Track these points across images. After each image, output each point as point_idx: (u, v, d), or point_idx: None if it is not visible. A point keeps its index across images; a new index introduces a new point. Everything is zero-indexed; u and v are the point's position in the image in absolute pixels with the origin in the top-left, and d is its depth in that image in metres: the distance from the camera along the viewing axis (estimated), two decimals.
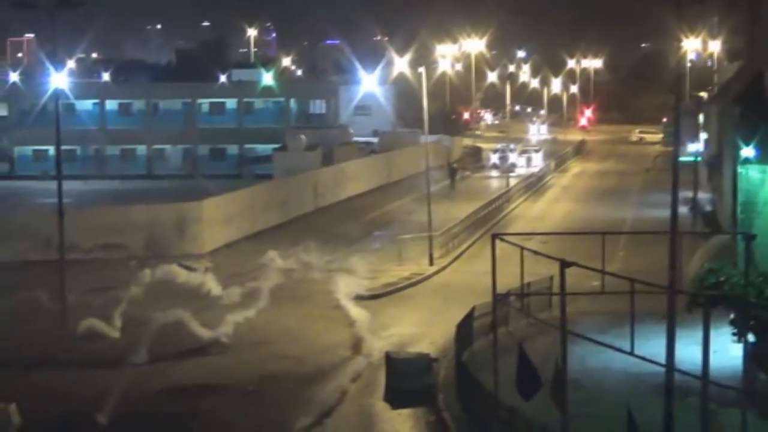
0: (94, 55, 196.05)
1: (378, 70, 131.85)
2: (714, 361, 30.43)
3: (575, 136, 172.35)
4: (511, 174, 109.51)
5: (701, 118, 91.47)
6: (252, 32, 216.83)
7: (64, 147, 67.90)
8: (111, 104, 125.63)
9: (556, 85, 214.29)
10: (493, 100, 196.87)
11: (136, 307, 48.83)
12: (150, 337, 46.01)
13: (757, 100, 40.59)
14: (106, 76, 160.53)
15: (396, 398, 39.42)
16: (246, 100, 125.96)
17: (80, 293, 50.35)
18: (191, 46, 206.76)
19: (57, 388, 38.84)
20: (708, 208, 77.41)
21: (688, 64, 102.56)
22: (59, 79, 68.69)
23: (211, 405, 38.81)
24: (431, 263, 64.35)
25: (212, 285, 52.61)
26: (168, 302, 50.22)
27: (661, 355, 30.84)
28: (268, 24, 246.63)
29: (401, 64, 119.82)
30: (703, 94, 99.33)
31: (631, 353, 32.95)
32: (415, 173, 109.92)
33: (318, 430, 36.67)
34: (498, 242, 37.89)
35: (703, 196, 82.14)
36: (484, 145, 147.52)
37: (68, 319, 47.82)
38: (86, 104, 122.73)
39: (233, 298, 51.57)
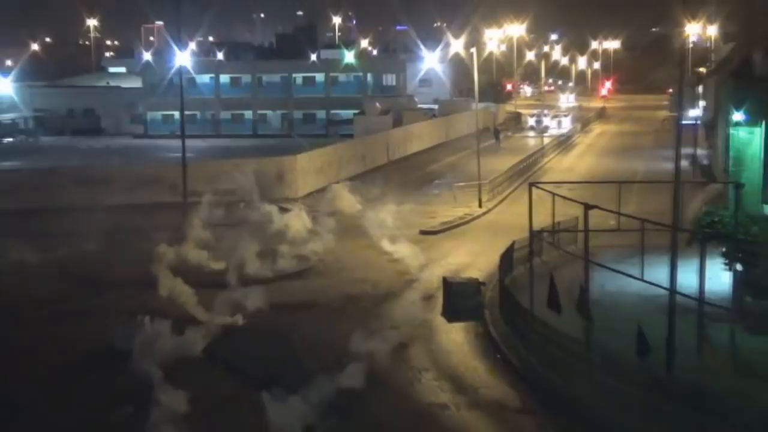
0: (211, 38, 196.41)
1: (438, 50, 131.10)
2: (708, 285, 30.24)
3: (597, 104, 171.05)
4: (545, 134, 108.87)
5: (701, 89, 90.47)
6: (336, 19, 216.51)
7: (186, 112, 68.31)
8: (224, 78, 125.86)
9: (582, 62, 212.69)
10: (530, 74, 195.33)
11: (246, 239, 49.13)
12: (256, 263, 46.44)
13: (746, 75, 40.04)
14: (220, 55, 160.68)
15: (451, 314, 39.42)
16: (332, 74, 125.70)
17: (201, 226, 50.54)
18: (288, 31, 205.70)
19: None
20: (705, 162, 76.65)
21: (690, 45, 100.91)
22: (183, 58, 69.05)
23: (307, 318, 39.11)
24: (480, 206, 64.11)
25: (305, 222, 52.73)
26: (269, 235, 50.57)
27: (665, 281, 30.62)
28: (350, 13, 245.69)
29: (457, 45, 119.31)
30: (703, 70, 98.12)
31: (642, 279, 32.86)
32: (467, 134, 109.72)
33: (391, 334, 36.79)
34: (534, 189, 37.81)
35: (701, 152, 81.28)
36: (523, 111, 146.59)
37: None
38: (204, 78, 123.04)
39: (321, 233, 51.69)
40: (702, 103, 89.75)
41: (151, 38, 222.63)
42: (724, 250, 36.60)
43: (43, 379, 32.02)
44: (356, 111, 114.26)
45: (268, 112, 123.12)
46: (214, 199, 54.05)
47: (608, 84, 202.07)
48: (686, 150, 60.22)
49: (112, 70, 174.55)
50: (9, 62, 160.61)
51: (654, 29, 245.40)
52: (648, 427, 27.07)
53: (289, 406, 27.04)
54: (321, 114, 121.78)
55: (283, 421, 26.45)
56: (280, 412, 26.68)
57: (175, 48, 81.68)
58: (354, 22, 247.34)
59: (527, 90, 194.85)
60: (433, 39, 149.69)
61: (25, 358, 34.21)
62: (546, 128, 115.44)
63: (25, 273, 46.67)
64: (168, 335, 32.59)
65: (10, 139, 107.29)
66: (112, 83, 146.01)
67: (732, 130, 40.90)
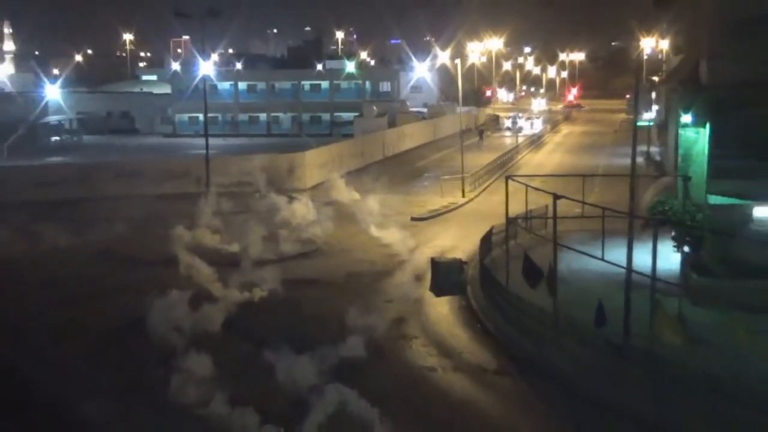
0: (231, 50, 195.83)
1: (427, 61, 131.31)
2: (660, 265, 30.30)
3: (564, 107, 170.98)
4: (520, 134, 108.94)
5: (654, 94, 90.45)
6: (339, 34, 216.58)
7: (210, 114, 68.24)
8: (242, 85, 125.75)
9: (551, 71, 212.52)
10: (507, 82, 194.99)
11: (259, 224, 49.21)
12: (268, 245, 46.51)
13: (693, 83, 39.99)
14: (238, 66, 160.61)
15: (438, 289, 39.51)
16: (335, 82, 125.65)
17: (220, 215, 50.53)
18: (298, 44, 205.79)
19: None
20: (658, 158, 76.66)
21: (645, 57, 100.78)
22: (206, 68, 69.03)
23: (313, 293, 39.19)
24: (463, 196, 64.19)
25: (310, 210, 52.76)
26: (279, 221, 50.64)
27: (623, 260, 30.70)
28: (351, 29, 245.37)
29: (443, 56, 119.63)
30: (656, 78, 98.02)
31: (602, 259, 32.88)
32: (452, 133, 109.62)
33: (386, 307, 36.90)
34: (510, 182, 37.91)
35: (654, 149, 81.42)
36: (501, 114, 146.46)
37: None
38: (225, 85, 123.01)
39: (324, 219, 51.75)
40: (655, 107, 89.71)
41: (179, 50, 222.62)
42: (673, 234, 36.65)
43: (89, 345, 32.17)
44: (356, 113, 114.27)
45: (280, 115, 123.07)
46: (221, 190, 54.25)
47: (574, 91, 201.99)
48: (641, 148, 60.50)
49: (145, 78, 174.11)
50: (56, 71, 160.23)
51: (614, 43, 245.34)
52: (606, 385, 27.25)
53: (296, 367, 27.19)
54: (326, 116, 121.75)
55: (290, 380, 26.61)
56: (288, 373, 26.83)
57: (200, 59, 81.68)
58: (354, 36, 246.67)
59: (504, 95, 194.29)
60: (423, 51, 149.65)
61: (73, 327, 34.31)
62: (520, 129, 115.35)
63: (72, 254, 46.81)
64: (186, 307, 32.63)
65: (57, 138, 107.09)
66: (145, 89, 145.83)
67: (681, 131, 40.89)
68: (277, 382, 26.87)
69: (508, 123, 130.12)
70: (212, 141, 60.64)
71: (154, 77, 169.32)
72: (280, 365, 27.40)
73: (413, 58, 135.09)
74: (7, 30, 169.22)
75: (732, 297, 33.59)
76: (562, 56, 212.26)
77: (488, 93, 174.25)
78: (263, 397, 26.04)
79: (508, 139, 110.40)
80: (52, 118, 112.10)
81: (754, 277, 33.98)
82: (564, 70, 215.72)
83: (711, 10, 38.55)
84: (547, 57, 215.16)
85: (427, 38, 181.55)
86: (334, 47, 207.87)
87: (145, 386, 27.27)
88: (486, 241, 43.28)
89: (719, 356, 28.94)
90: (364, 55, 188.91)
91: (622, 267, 30.91)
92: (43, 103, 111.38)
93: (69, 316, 35.59)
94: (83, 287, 40.11)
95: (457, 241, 49.86)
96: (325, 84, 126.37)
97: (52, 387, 28.15)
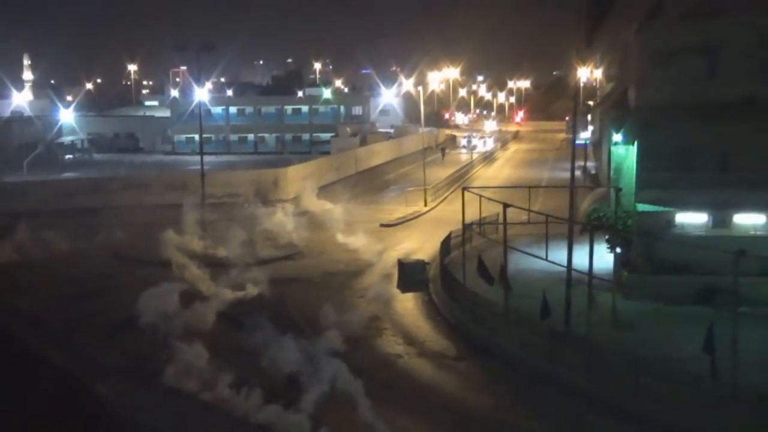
0: (223, 79, 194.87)
1: (394, 88, 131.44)
2: (596, 264, 30.55)
3: (513, 128, 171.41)
4: (474, 151, 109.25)
5: (590, 116, 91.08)
6: (317, 65, 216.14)
7: (204, 135, 67.97)
8: (233, 109, 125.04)
9: (501, 96, 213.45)
10: (463, 106, 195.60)
11: (251, 229, 49.12)
12: (256, 248, 46.45)
13: (624, 106, 40.41)
14: (229, 92, 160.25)
15: (404, 286, 39.62)
16: (314, 106, 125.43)
17: (212, 222, 50.32)
18: (281, 74, 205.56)
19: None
20: (593, 171, 77.08)
21: (582, 84, 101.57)
22: (201, 94, 68.72)
23: (294, 290, 39.13)
24: (425, 205, 64.23)
25: (292, 218, 52.68)
26: (268, 227, 50.54)
27: (564, 260, 30.95)
28: (327, 60, 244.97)
29: (407, 84, 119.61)
30: (591, 102, 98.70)
31: (546, 259, 33.13)
32: (416, 150, 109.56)
33: (359, 302, 36.93)
34: (466, 192, 38.11)
35: (591, 164, 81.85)
36: (457, 134, 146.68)
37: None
38: (218, 109, 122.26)
39: (305, 226, 51.73)
40: (591, 128, 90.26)
41: (178, 79, 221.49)
42: (607, 237, 36.95)
43: (103, 331, 31.98)
44: (332, 134, 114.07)
45: (266, 135, 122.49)
46: (215, 200, 53.98)
47: (521, 113, 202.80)
48: (579, 162, 60.80)
49: (147, 103, 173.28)
50: (69, 97, 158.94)
51: (555, 72, 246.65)
52: (551, 366, 27.47)
53: (278, 353, 27.06)
54: (306, 136, 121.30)
55: (273, 365, 26.52)
56: (271, 359, 26.73)
57: (196, 87, 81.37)
58: (330, 67, 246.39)
59: (461, 118, 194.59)
60: (390, 80, 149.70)
61: (91, 316, 34.19)
62: (474, 147, 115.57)
63: (87, 255, 46.58)
64: (177, 302, 32.57)
65: (71, 156, 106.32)
66: (148, 113, 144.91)
67: (613, 148, 41.28)
68: (256, 368, 26.74)
69: (464, 142, 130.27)
70: (207, 158, 60.38)
71: (155, 103, 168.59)
72: (271, 350, 27.31)
73: (381, 85, 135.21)
74: (26, 61, 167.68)
75: (657, 291, 33.99)
76: (511, 83, 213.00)
77: (447, 116, 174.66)
78: (262, 377, 26.00)
79: (464, 156, 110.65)
80: (66, 139, 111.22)
81: (675, 273, 34.37)
82: (512, 95, 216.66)
83: (634, 45, 39.02)
84: (497, 84, 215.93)
85: (394, 68, 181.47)
86: (313, 76, 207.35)
87: (155, 366, 27.15)
88: (445, 244, 43.43)
89: (645, 341, 29.30)
90: (339, 83, 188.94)
91: (563, 266, 31.20)
92: (58, 125, 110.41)
93: (84, 309, 35.41)
94: (97, 284, 39.94)
95: (421, 244, 49.94)
96: (305, 108, 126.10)
97: (66, 368, 27.95)
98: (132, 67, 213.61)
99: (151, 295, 32.77)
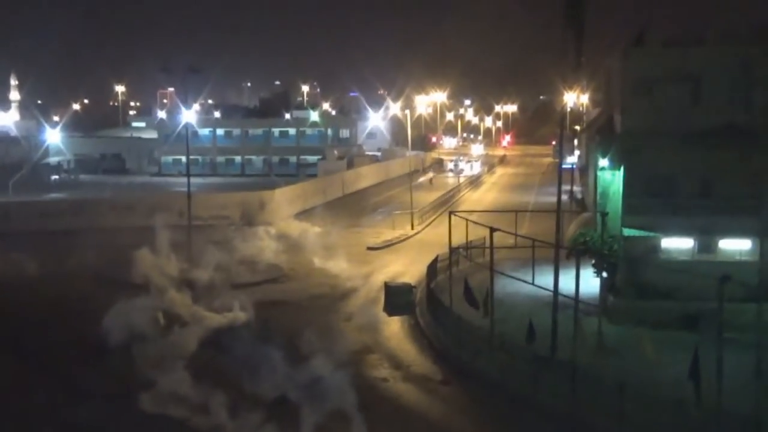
0: (210, 100, 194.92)
1: (381, 111, 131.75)
2: (582, 288, 30.64)
3: (499, 152, 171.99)
4: (461, 175, 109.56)
5: (576, 141, 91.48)
6: (305, 87, 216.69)
7: (191, 157, 67.75)
8: (220, 131, 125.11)
9: (488, 120, 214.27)
10: (450, 130, 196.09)
11: (237, 251, 49.07)
12: (243, 271, 46.39)
13: (609, 132, 40.68)
14: (217, 114, 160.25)
15: (390, 309, 39.63)
16: (301, 129, 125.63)
17: (201, 244, 50.18)
18: (268, 96, 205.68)
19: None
20: (579, 196, 77.34)
21: (568, 109, 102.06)
22: (188, 116, 68.62)
23: (279, 313, 39.05)
24: (412, 228, 64.32)
25: (278, 240, 52.68)
26: (254, 250, 50.52)
27: (550, 284, 31.02)
28: (315, 83, 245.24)
29: (395, 108, 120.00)
30: (578, 127, 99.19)
31: (533, 283, 33.18)
32: (402, 174, 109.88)
33: (345, 326, 36.88)
34: (453, 216, 38.20)
35: (577, 188, 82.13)
36: (444, 157, 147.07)
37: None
38: (205, 131, 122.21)
39: (291, 249, 51.76)
40: (577, 152, 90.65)
41: (165, 101, 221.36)
42: (593, 262, 37.10)
43: (83, 355, 31.82)
44: (319, 157, 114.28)
45: (253, 157, 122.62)
46: (201, 222, 53.78)
47: (507, 138, 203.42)
48: (565, 187, 60.98)
49: (135, 124, 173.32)
50: (56, 118, 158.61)
51: (541, 97, 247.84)
52: (533, 390, 27.48)
53: (263, 378, 27.00)
54: (293, 159, 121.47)
55: (257, 389, 26.43)
56: (255, 383, 26.65)
57: (183, 108, 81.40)
58: (318, 89, 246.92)
59: (448, 142, 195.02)
60: (377, 103, 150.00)
61: (71, 339, 33.97)
62: (461, 170, 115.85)
63: (69, 277, 46.33)
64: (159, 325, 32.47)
65: (57, 177, 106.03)
66: (135, 135, 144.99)
67: (599, 173, 41.48)
68: (240, 394, 26.67)
69: (450, 165, 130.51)
70: (193, 180, 60.14)
71: (142, 124, 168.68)
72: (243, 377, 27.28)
73: (369, 108, 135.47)
74: (13, 81, 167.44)
75: (642, 315, 34.12)
76: (497, 108, 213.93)
77: (434, 139, 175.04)
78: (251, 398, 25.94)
79: (450, 179, 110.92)
80: (53, 159, 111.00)
81: (660, 298, 34.52)
82: (499, 119, 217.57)
83: (618, 71, 39.38)
84: (484, 108, 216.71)
85: (381, 92, 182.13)
86: (300, 99, 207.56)
87: (142, 385, 27.04)
88: (432, 267, 43.46)
89: (629, 365, 29.36)
90: (326, 105, 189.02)
91: (550, 290, 31.28)
92: (44, 146, 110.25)
93: (64, 331, 35.19)
94: (78, 306, 39.71)
95: (407, 267, 49.95)
96: (292, 131, 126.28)
97: (51, 393, 27.88)
98: (119, 88, 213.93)
99: (133, 318, 32.68)
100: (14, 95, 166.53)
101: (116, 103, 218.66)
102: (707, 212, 35.47)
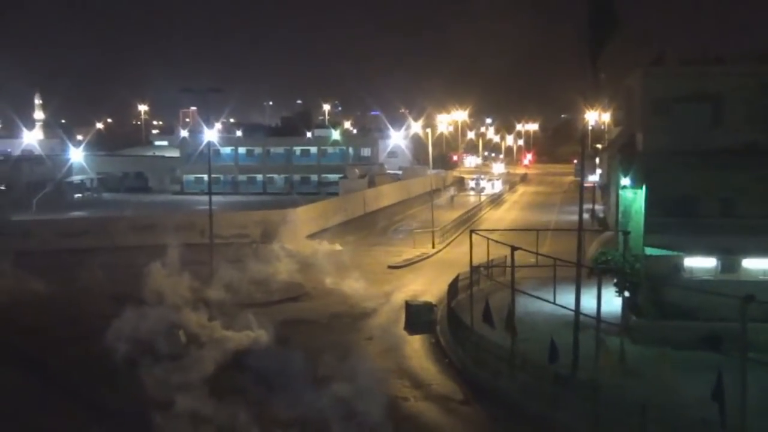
0: (232, 119, 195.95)
1: (402, 130, 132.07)
2: (604, 307, 30.51)
3: (521, 170, 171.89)
4: (482, 193, 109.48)
5: (598, 160, 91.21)
6: (326, 106, 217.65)
7: (213, 175, 68.29)
8: (241, 150, 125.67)
9: (509, 139, 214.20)
10: (471, 148, 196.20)
11: (256, 272, 49.18)
12: (264, 289, 46.51)
13: (631, 151, 40.56)
14: (238, 133, 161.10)
15: (412, 328, 39.61)
16: (322, 147, 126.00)
17: (222, 263, 50.34)
18: (290, 115, 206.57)
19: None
20: (601, 215, 77.03)
21: (590, 127, 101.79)
22: (210, 135, 69.18)
23: (300, 331, 39.06)
24: (433, 247, 64.33)
25: (300, 259, 52.75)
26: (274, 268, 50.61)
27: (572, 304, 30.91)
28: (336, 101, 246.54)
29: (416, 126, 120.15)
30: (599, 146, 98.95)
31: (554, 302, 33.07)
32: (423, 192, 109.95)
33: (366, 344, 36.86)
34: (474, 235, 38.14)
35: (599, 207, 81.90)
36: (465, 176, 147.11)
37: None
38: (227, 150, 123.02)
39: (311, 267, 51.87)
40: (599, 171, 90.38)
41: (187, 120, 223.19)
42: (615, 281, 36.95)
43: (102, 374, 31.96)
44: (341, 175, 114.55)
45: (274, 176, 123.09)
46: (222, 240, 53.79)
47: (529, 156, 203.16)
48: (587, 206, 60.94)
49: (157, 143, 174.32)
50: (80, 137, 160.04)
51: (563, 115, 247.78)
52: (554, 412, 27.32)
53: (283, 397, 27.06)
54: (314, 177, 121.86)
55: (280, 410, 26.46)
56: (275, 402, 26.68)
57: (205, 127, 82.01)
58: (339, 108, 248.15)
59: (469, 160, 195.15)
60: (399, 122, 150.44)
61: (90, 358, 34.12)
62: (483, 189, 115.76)
63: (90, 296, 46.56)
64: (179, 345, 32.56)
65: (80, 195, 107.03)
66: (157, 153, 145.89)
67: (621, 191, 41.38)
68: (265, 415, 26.70)
69: (472, 184, 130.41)
70: (215, 198, 60.57)
71: (165, 143, 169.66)
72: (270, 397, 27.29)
73: (390, 127, 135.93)
74: (37, 101, 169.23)
75: (664, 335, 33.90)
76: (519, 126, 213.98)
77: (455, 158, 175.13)
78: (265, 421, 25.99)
79: (472, 198, 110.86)
80: (76, 178, 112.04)
81: (682, 318, 34.30)
82: (520, 138, 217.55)
83: (638, 91, 39.35)
84: (505, 127, 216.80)
85: (402, 110, 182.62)
86: (322, 117, 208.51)
87: (155, 410, 27.09)
88: (453, 286, 43.41)
89: (652, 386, 29.15)
90: (347, 124, 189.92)
91: (571, 309, 31.13)
92: (68, 164, 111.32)
93: (85, 350, 35.37)
94: (98, 324, 39.85)
95: (428, 286, 49.92)
96: (313, 149, 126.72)
97: (74, 413, 28.02)
98: (142, 107, 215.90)
99: (154, 336, 32.82)
100: (38, 114, 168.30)
101: (139, 122, 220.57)
102: (730, 231, 35.32)
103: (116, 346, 33.53)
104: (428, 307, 41.26)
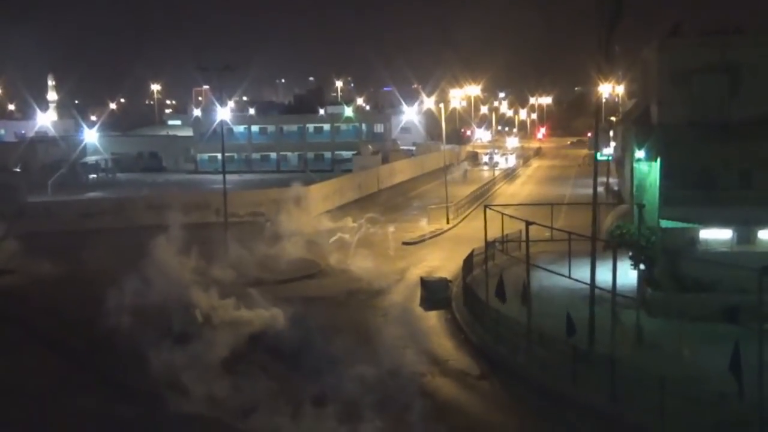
0: (245, 98, 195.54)
1: (415, 106, 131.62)
2: (619, 281, 30.46)
3: (534, 145, 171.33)
4: (496, 168, 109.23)
5: (612, 133, 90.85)
6: (339, 83, 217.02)
7: (227, 154, 68.36)
8: (255, 128, 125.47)
9: (522, 113, 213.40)
10: (484, 123, 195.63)
11: (271, 249, 49.30)
12: (279, 267, 46.63)
13: (646, 123, 40.34)
14: (251, 111, 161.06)
15: (427, 304, 39.67)
16: (336, 124, 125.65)
17: (237, 241, 50.42)
18: (303, 92, 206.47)
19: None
20: (616, 188, 76.82)
21: (603, 100, 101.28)
22: (224, 113, 69.22)
23: (317, 308, 39.16)
24: (447, 222, 64.30)
25: (315, 236, 52.81)
26: (289, 246, 50.72)
27: (587, 278, 30.88)
28: (349, 78, 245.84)
29: (429, 102, 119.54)
30: (613, 119, 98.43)
31: (569, 276, 33.05)
32: (437, 168, 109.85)
33: (382, 321, 36.94)
34: (488, 210, 38.11)
35: (613, 180, 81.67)
36: (479, 150, 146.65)
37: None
38: (240, 128, 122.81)
39: (326, 244, 51.99)
40: (613, 144, 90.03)
41: (200, 99, 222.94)
42: (630, 254, 36.84)
43: (127, 354, 32.04)
44: (354, 152, 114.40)
45: (288, 153, 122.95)
46: (237, 219, 53.63)
47: (542, 130, 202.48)
48: (602, 179, 60.57)
49: (170, 122, 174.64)
50: (93, 117, 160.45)
51: (576, 88, 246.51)
52: (572, 387, 27.35)
53: (302, 374, 27.22)
54: (328, 154, 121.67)
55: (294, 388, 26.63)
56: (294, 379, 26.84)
57: (218, 106, 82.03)
58: (352, 85, 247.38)
59: (482, 134, 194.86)
60: (411, 97, 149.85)
61: (115, 338, 34.29)
62: (496, 163, 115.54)
63: (109, 275, 46.57)
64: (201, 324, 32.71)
65: (95, 176, 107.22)
66: (171, 133, 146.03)
67: (635, 164, 41.21)
68: (283, 389, 26.88)
69: (485, 158, 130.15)
70: (229, 177, 60.60)
71: (178, 122, 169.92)
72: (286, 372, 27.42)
73: (403, 103, 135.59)
74: (51, 82, 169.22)
75: (681, 308, 33.80)
76: (532, 100, 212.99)
77: (468, 133, 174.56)
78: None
79: (486, 173, 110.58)
80: (90, 159, 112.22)
81: (699, 290, 34.20)
82: (534, 112, 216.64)
83: (654, 63, 39.03)
84: (518, 101, 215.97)
85: (415, 86, 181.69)
86: (335, 94, 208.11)
87: (174, 390, 27.25)
88: (468, 262, 43.44)
89: (669, 359, 29.13)
90: (360, 101, 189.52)
91: (587, 283, 31.12)
92: (82, 145, 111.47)
93: (107, 328, 35.53)
94: (119, 303, 40.06)
95: (443, 262, 49.93)
96: (326, 126, 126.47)
97: (98, 392, 28.26)
98: (155, 87, 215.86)
99: (172, 316, 32.97)
100: (52, 96, 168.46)
101: (152, 102, 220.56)
102: (746, 203, 35.14)
103: (136, 325, 33.69)
104: (444, 283, 41.30)
